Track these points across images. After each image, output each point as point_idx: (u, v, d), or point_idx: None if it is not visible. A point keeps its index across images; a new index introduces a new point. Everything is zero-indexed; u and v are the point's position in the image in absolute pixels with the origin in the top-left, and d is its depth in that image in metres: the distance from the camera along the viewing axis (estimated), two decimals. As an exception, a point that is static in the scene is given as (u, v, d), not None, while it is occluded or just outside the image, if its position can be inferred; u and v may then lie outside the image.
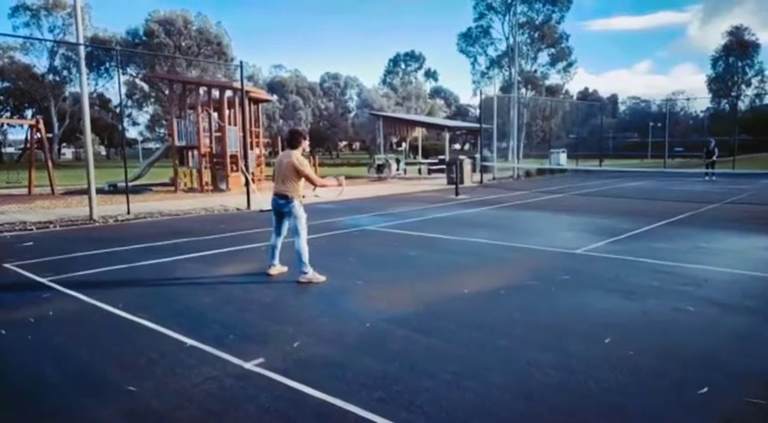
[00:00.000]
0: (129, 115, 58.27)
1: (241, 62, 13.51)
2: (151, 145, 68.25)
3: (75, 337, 4.61)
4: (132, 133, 65.76)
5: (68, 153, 73.98)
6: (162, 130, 59.37)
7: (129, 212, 12.27)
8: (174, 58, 43.83)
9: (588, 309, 5.18)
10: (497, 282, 6.16)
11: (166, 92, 49.07)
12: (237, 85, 19.59)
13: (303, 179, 6.35)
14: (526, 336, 4.42)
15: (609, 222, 10.59)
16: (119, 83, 14.00)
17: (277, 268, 6.66)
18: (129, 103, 57.40)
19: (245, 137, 15.37)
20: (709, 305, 5.21)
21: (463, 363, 3.90)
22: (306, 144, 6.54)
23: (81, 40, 10.99)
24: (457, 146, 72.32)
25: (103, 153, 72.46)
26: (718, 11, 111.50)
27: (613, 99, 73.03)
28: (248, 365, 3.89)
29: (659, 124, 55.39)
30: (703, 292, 5.67)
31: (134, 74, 50.09)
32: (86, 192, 15.86)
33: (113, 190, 18.59)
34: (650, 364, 3.83)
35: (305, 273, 6.24)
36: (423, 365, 3.85)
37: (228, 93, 19.70)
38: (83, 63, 11.19)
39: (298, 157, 6.32)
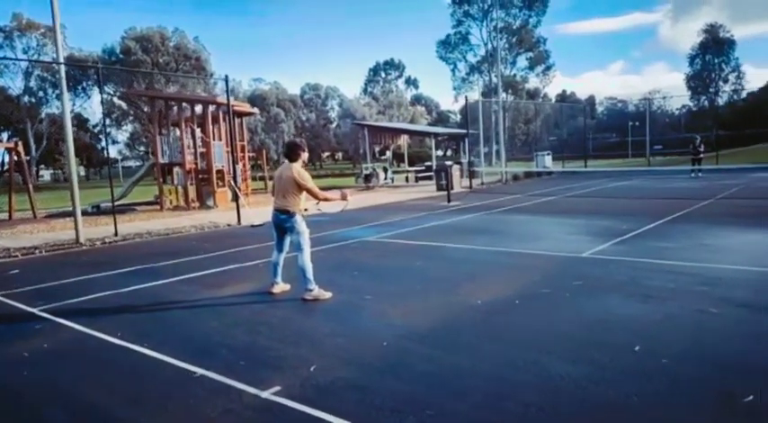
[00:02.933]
0: (109, 134, 57.41)
1: (226, 76, 13.26)
2: (131, 163, 67.39)
3: (75, 372, 4.33)
4: (112, 152, 64.87)
5: (46, 175, 72.76)
6: (142, 148, 58.64)
7: (116, 234, 11.90)
8: (157, 74, 43.35)
9: (610, 315, 5.01)
10: (509, 290, 5.98)
11: (146, 109, 48.58)
12: (221, 99, 19.34)
13: (304, 193, 6.14)
14: (553, 347, 4.24)
15: (608, 223, 10.50)
16: (102, 101, 13.67)
17: (280, 286, 6.43)
18: (108, 121, 56.55)
19: (232, 151, 15.09)
20: (731, 306, 5.08)
21: (494, 381, 3.70)
22: (305, 156, 6.31)
23: (62, 59, 10.68)
24: (439, 152, 72.43)
25: (83, 173, 71.30)
26: (688, 9, 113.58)
27: (591, 100, 73.78)
28: (265, 394, 3.65)
29: (637, 123, 56.09)
30: (721, 291, 5.55)
31: (112, 92, 49.46)
32: (70, 214, 15.39)
33: (97, 211, 18.16)
34: (687, 373, 3.67)
35: (310, 290, 6.01)
36: (452, 386, 3.64)
37: (212, 107, 19.40)
38: (64, 82, 10.85)
39: (298, 170, 6.09)
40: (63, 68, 10.93)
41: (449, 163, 25.91)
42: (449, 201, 15.79)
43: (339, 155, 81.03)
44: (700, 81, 44.28)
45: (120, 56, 46.77)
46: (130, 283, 7.31)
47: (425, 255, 8.39)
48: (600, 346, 4.23)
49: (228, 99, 13.75)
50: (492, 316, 5.14)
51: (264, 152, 31.16)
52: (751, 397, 3.27)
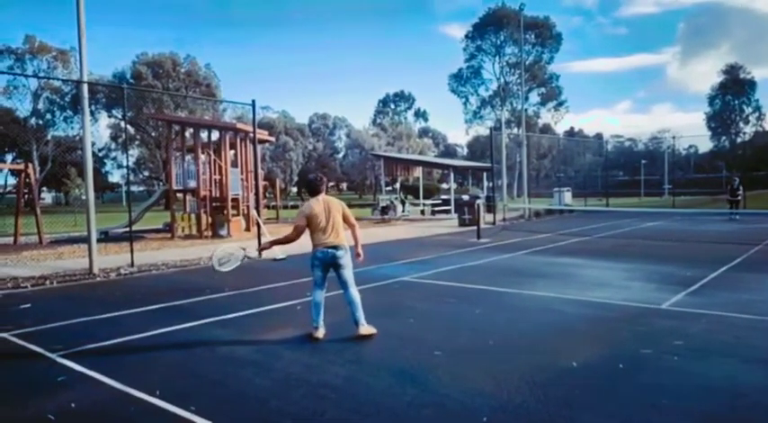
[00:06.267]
0: (114, 158, 57.13)
1: (253, 101, 12.69)
2: (134, 188, 66.64)
3: (112, 447, 3.53)
4: (115, 176, 64.41)
5: (48, 197, 72.09)
6: (146, 173, 58.05)
7: (132, 264, 11.12)
8: (177, 97, 43.12)
9: (740, 387, 4.22)
10: (602, 349, 5.20)
11: (153, 134, 48.28)
12: (241, 125, 18.82)
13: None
14: (703, 434, 3.45)
15: (666, 269, 9.72)
16: (124, 120, 13.24)
17: (323, 329, 5.85)
18: (113, 146, 56.25)
19: (257, 179, 14.47)
20: None
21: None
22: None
23: (86, 78, 10.09)
24: (444, 185, 72.07)
25: (83, 197, 70.59)
26: (696, 52, 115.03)
27: (599, 138, 73.80)
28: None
29: (644, 161, 55.85)
30: None
31: (120, 116, 49.19)
32: (76, 240, 14.67)
33: (105, 237, 17.39)
34: None
35: (364, 323, 5.78)
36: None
37: (230, 134, 18.83)
38: (86, 102, 10.28)
39: (341, 202, 5.95)
40: (86, 87, 10.34)
41: (465, 197, 25.33)
42: (479, 237, 15.02)
43: (344, 185, 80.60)
44: (720, 121, 44.04)
45: (131, 80, 46.61)
46: (158, 324, 6.52)
47: (481, 301, 7.60)
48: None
49: (255, 125, 13.19)
50: (600, 384, 4.35)
51: (278, 182, 30.57)
52: None
